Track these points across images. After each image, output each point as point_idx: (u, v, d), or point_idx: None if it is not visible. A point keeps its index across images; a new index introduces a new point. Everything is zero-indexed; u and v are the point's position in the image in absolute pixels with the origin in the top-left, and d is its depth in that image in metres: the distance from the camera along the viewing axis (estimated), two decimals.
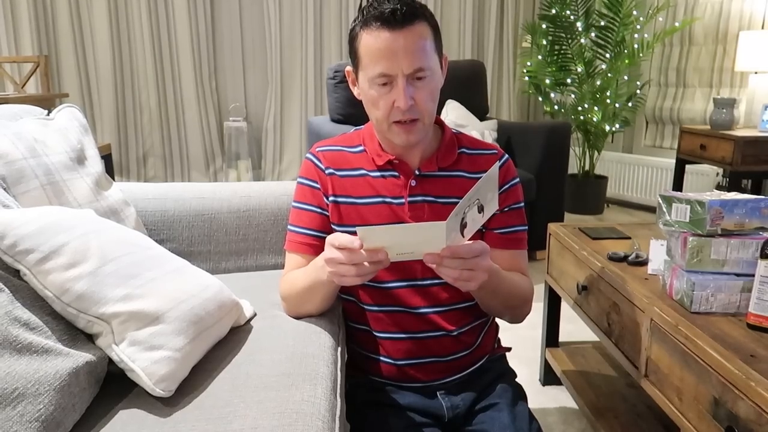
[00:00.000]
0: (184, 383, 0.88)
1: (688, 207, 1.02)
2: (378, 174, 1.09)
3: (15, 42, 4.02)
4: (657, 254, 1.23)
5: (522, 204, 1.14)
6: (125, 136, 4.31)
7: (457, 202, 1.04)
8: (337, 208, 1.09)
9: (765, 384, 0.78)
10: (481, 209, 0.87)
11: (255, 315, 1.14)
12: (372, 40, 0.96)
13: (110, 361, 0.87)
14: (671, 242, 1.09)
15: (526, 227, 1.14)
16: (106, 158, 3.40)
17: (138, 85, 4.24)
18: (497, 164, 0.88)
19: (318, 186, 1.10)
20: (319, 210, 1.10)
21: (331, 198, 1.09)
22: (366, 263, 0.84)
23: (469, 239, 0.88)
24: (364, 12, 0.97)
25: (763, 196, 1.02)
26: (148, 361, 0.84)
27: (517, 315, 1.13)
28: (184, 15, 4.10)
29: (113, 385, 0.88)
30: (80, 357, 0.82)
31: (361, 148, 1.12)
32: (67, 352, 0.81)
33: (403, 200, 1.07)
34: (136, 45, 4.16)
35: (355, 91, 1.06)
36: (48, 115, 1.28)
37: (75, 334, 0.86)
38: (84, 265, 0.86)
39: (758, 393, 0.77)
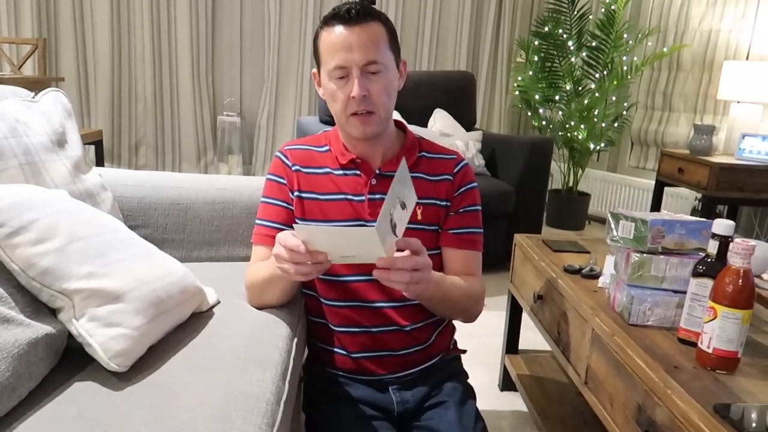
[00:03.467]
0: (141, 361, 0.93)
1: (633, 224, 1.08)
2: (341, 172, 1.15)
3: (15, 23, 4.05)
4: (609, 269, 1.29)
5: (478, 208, 1.20)
6: (119, 124, 4.35)
7: (416, 202, 1.10)
8: (300, 203, 1.15)
9: (680, 392, 0.83)
10: (403, 206, 0.91)
11: (218, 302, 1.19)
12: (329, 35, 1.05)
13: (70, 335, 0.92)
14: (617, 257, 1.14)
15: (481, 230, 1.19)
16: (98, 144, 3.44)
17: (135, 74, 4.28)
18: (404, 160, 0.93)
19: (284, 182, 1.16)
20: (284, 204, 1.16)
21: (296, 193, 1.15)
22: (308, 263, 0.90)
23: (404, 239, 0.91)
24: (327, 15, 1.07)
25: (703, 219, 1.08)
26: (105, 337, 0.88)
27: (469, 316, 1.18)
28: (185, 9, 4.15)
29: (72, 358, 0.93)
30: (40, 329, 0.86)
31: (327, 147, 1.18)
32: (28, 323, 0.85)
33: (363, 197, 1.13)
34: (136, 34, 4.21)
35: (320, 92, 1.13)
36: (33, 97, 1.33)
37: (38, 308, 0.91)
38: (51, 241, 0.90)
39: (673, 401, 0.83)
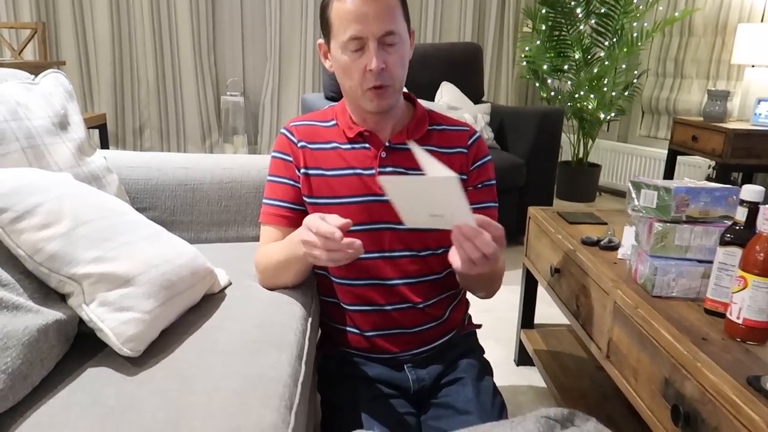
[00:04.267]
0: (153, 345, 0.91)
1: (656, 193, 1.04)
2: (349, 146, 1.11)
3: (14, 8, 4.00)
4: (629, 240, 1.25)
5: (494, 181, 1.17)
6: (122, 107, 4.31)
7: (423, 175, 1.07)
8: (307, 180, 1.12)
9: (710, 365, 0.81)
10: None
11: (230, 284, 1.17)
12: (342, 4, 0.99)
13: (81, 321, 0.90)
14: (639, 228, 1.11)
15: (497, 204, 1.16)
16: (101, 128, 3.41)
17: (136, 56, 4.23)
18: (411, 142, 0.88)
19: (290, 159, 1.13)
20: (292, 183, 1.13)
21: (302, 170, 1.12)
22: (342, 250, 0.88)
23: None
24: None
25: (729, 186, 1.04)
26: (116, 322, 0.86)
27: (491, 292, 1.16)
28: None
29: (85, 344, 0.91)
30: (50, 315, 0.84)
31: (333, 122, 1.14)
32: (38, 309, 0.83)
33: (372, 171, 1.10)
34: (135, 16, 4.14)
35: (327, 64, 1.09)
36: (33, 80, 1.29)
37: (47, 293, 0.89)
38: (57, 226, 0.88)
39: (703, 374, 0.80)
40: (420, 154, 0.84)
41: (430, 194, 0.79)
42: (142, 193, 1.42)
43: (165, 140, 4.39)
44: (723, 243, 0.93)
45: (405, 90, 1.19)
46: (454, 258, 0.85)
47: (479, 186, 1.14)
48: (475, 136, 1.16)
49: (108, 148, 3.50)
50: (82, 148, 1.24)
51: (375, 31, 0.98)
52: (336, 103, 1.18)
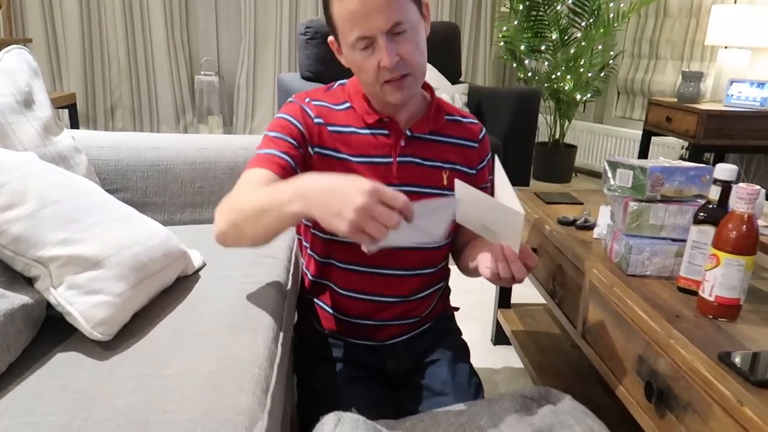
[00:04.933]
0: (125, 329, 0.89)
1: (631, 173, 1.05)
2: (368, 132, 1.05)
3: None
4: (604, 219, 1.26)
5: (492, 176, 1.18)
6: (92, 87, 4.19)
7: (441, 167, 1.06)
8: (322, 161, 1.04)
9: (683, 342, 0.82)
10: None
11: (204, 265, 1.15)
12: (342, 3, 0.92)
13: (49, 305, 0.87)
14: (614, 207, 1.11)
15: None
16: (71, 108, 3.32)
17: (106, 33, 4.10)
18: (497, 159, 0.88)
19: (302, 128, 1.03)
20: (296, 145, 1.01)
21: (316, 149, 1.03)
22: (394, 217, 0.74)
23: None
24: None
25: (702, 165, 1.04)
26: (86, 305, 0.84)
27: None
28: None
29: (53, 329, 0.89)
30: (16, 299, 0.82)
31: (347, 104, 1.07)
32: (2, 293, 0.81)
33: (391, 159, 1.05)
34: None
35: (343, 60, 1.02)
36: None
37: (13, 277, 0.86)
38: (22, 207, 0.85)
39: (676, 350, 0.81)
40: (500, 173, 0.86)
41: (494, 214, 0.83)
42: (113, 174, 1.38)
43: (138, 120, 4.30)
44: (696, 221, 0.94)
45: None
46: (484, 264, 0.89)
47: (487, 184, 1.16)
48: (483, 132, 1.15)
49: (78, 128, 3.41)
50: (48, 127, 1.20)
51: (381, 26, 0.91)
52: (346, 82, 1.11)
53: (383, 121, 1.05)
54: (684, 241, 1.01)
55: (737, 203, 0.85)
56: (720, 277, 0.86)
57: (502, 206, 0.80)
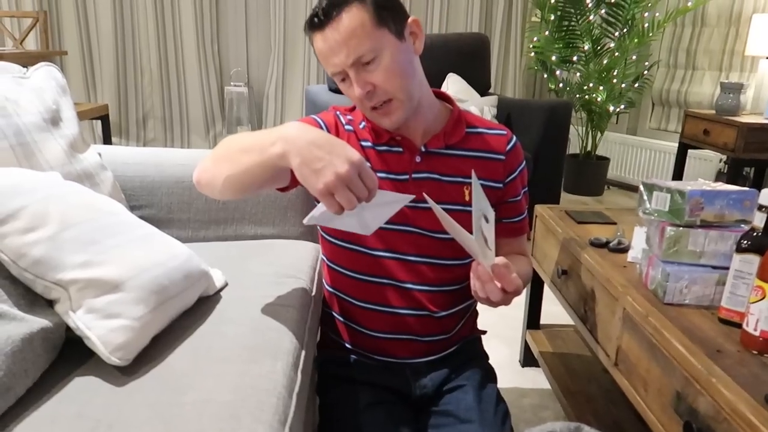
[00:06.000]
0: (144, 353, 0.87)
1: (668, 196, 1.00)
2: (384, 148, 1.06)
3: None
4: (639, 242, 1.21)
5: (526, 189, 1.16)
6: (125, 97, 4.27)
7: (462, 182, 1.03)
8: None
9: (725, 380, 0.76)
10: (486, 219, 0.88)
11: (226, 285, 1.13)
12: (314, 45, 0.97)
13: (69, 327, 0.87)
14: (650, 231, 1.06)
15: (525, 215, 1.17)
16: (104, 119, 3.38)
17: (139, 45, 4.18)
18: (473, 173, 0.86)
19: (327, 131, 1.07)
20: None
21: None
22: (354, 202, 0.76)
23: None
24: None
25: (746, 188, 0.99)
26: (104, 329, 0.83)
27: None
28: None
29: (73, 351, 0.88)
30: (35, 323, 0.81)
31: (364, 123, 1.08)
32: (22, 317, 0.80)
33: (407, 176, 1.04)
34: (138, 4, 4.09)
35: None
36: (25, 73, 1.26)
37: (34, 299, 0.86)
38: (43, 229, 0.84)
39: (718, 390, 0.76)
40: (475, 192, 0.85)
41: (456, 233, 0.85)
42: (138, 190, 1.38)
43: (168, 131, 4.36)
44: (739, 250, 0.88)
45: (442, 90, 1.13)
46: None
47: (519, 197, 1.13)
48: (512, 142, 1.11)
49: (111, 140, 3.46)
50: (74, 144, 1.20)
51: (345, 62, 0.93)
52: None
53: (396, 139, 1.05)
54: (725, 268, 0.96)
55: None
56: (766, 310, 0.81)
57: (458, 228, 0.83)
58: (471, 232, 0.83)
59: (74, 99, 3.74)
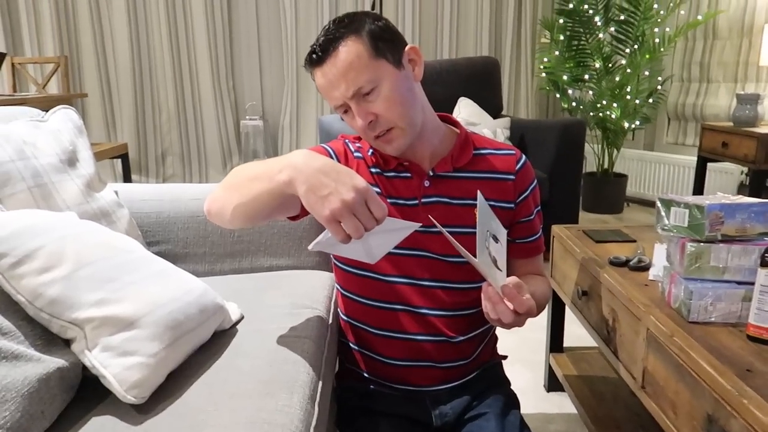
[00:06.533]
0: (160, 389, 0.87)
1: (687, 211, 0.98)
2: (392, 174, 1.06)
3: (38, 42, 4.09)
4: (660, 259, 1.18)
5: (539, 208, 1.14)
6: (144, 135, 4.36)
7: (472, 204, 1.02)
8: None
9: (758, 401, 0.73)
10: (495, 239, 0.87)
11: (242, 318, 1.13)
12: (316, 80, 0.99)
13: (86, 366, 0.87)
14: (670, 248, 1.04)
15: (540, 234, 1.15)
16: (123, 157, 3.44)
17: (156, 84, 4.29)
18: (479, 193, 0.86)
19: (335, 159, 1.08)
20: None
21: None
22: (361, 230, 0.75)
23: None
24: None
25: (767, 201, 0.96)
26: (119, 368, 0.82)
27: (537, 313, 1.12)
28: (201, 15, 4.13)
29: (90, 391, 0.88)
30: (52, 363, 0.81)
31: (371, 150, 1.09)
32: (38, 357, 0.80)
33: (416, 201, 1.04)
34: (155, 45, 4.21)
35: None
36: (43, 117, 1.29)
37: (51, 339, 0.86)
38: (58, 269, 0.85)
39: (750, 411, 0.73)
40: (482, 211, 0.85)
41: (464, 255, 0.84)
42: (155, 226, 1.40)
43: (187, 166, 4.43)
44: (765, 264, 0.86)
45: (447, 114, 1.14)
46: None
47: (531, 217, 1.12)
48: (522, 161, 1.10)
49: (130, 177, 3.52)
50: (91, 183, 1.22)
51: (345, 94, 0.95)
52: None
53: (403, 165, 1.05)
54: (751, 283, 0.93)
55: None
56: None
57: (464, 250, 0.81)
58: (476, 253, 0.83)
59: (95, 139, 3.83)
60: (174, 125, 4.34)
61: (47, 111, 1.31)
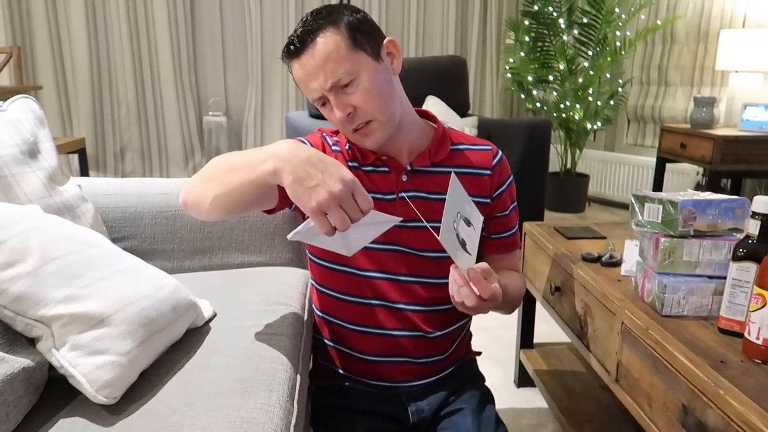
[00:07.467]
0: (132, 389, 0.84)
1: (661, 207, 1.00)
2: (370, 168, 1.05)
3: None
4: (631, 255, 1.21)
5: (515, 203, 1.15)
6: (102, 130, 4.22)
7: None
8: None
9: (734, 392, 0.75)
10: (468, 222, 0.87)
11: (215, 315, 1.10)
12: (293, 72, 0.98)
13: (52, 366, 0.82)
14: (643, 243, 1.06)
15: (516, 229, 1.16)
16: (81, 152, 3.32)
17: (115, 78, 4.15)
18: (453, 175, 0.85)
19: None
20: None
21: None
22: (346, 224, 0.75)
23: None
24: None
25: (736, 197, 0.99)
26: (90, 367, 0.79)
27: (513, 309, 1.13)
28: (162, 7, 4.02)
29: (57, 392, 0.83)
30: (16, 363, 0.77)
31: (350, 145, 1.07)
32: (2, 357, 0.76)
33: (394, 196, 1.04)
34: (114, 37, 4.07)
35: None
36: (1, 106, 1.22)
37: (14, 338, 0.81)
38: (23, 264, 0.81)
39: (727, 401, 0.74)
40: (453, 193, 0.85)
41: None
42: (120, 221, 1.35)
43: (147, 162, 4.31)
44: (736, 258, 0.88)
45: (425, 109, 1.14)
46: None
47: (507, 212, 1.12)
48: (498, 157, 1.11)
49: (88, 173, 3.40)
50: (53, 176, 1.17)
51: (323, 86, 0.94)
52: None
53: (381, 159, 1.05)
54: (721, 278, 0.96)
55: None
56: None
57: (428, 226, 0.84)
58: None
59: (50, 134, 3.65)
60: (134, 120, 4.21)
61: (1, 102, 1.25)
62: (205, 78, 4.30)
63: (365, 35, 0.96)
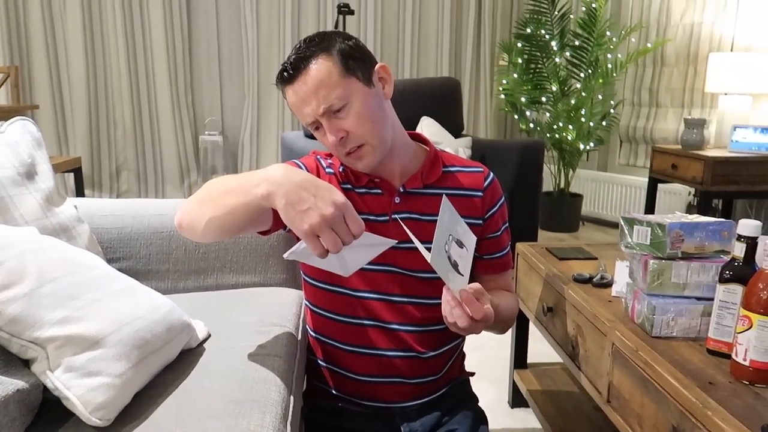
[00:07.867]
0: (126, 411, 0.84)
1: (649, 229, 1.01)
2: (363, 190, 1.07)
3: None
4: (621, 276, 1.22)
5: (507, 224, 1.17)
6: (98, 150, 4.24)
7: None
8: None
9: (721, 413, 0.76)
10: (460, 244, 0.88)
11: (209, 336, 1.10)
12: (287, 98, 1.00)
13: (46, 388, 0.83)
14: (633, 265, 1.07)
15: (509, 249, 1.18)
16: (77, 172, 3.33)
17: (112, 98, 4.18)
18: (445, 197, 0.87)
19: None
20: None
21: None
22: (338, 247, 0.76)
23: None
24: None
25: (723, 219, 1.01)
26: (84, 389, 0.79)
27: (506, 329, 1.14)
28: (159, 28, 4.06)
29: (51, 414, 0.84)
30: (10, 384, 0.77)
31: (343, 167, 1.09)
32: None
33: (387, 217, 1.05)
34: (111, 58, 4.11)
35: None
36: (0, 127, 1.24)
37: (9, 360, 0.82)
38: (19, 286, 0.81)
39: (714, 422, 0.75)
40: (444, 215, 0.86)
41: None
42: (116, 242, 1.36)
43: (142, 182, 4.32)
44: (723, 280, 0.90)
45: (417, 132, 1.16)
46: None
47: (498, 233, 1.14)
48: (489, 179, 1.13)
49: (83, 193, 3.41)
50: (50, 198, 1.18)
51: (316, 111, 0.96)
52: None
53: (374, 181, 1.06)
54: (709, 299, 0.97)
55: (765, 261, 0.81)
56: (754, 340, 0.82)
57: (421, 246, 0.84)
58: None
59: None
60: (130, 139, 4.23)
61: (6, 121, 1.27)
62: (201, 97, 4.34)
63: (357, 61, 0.98)
